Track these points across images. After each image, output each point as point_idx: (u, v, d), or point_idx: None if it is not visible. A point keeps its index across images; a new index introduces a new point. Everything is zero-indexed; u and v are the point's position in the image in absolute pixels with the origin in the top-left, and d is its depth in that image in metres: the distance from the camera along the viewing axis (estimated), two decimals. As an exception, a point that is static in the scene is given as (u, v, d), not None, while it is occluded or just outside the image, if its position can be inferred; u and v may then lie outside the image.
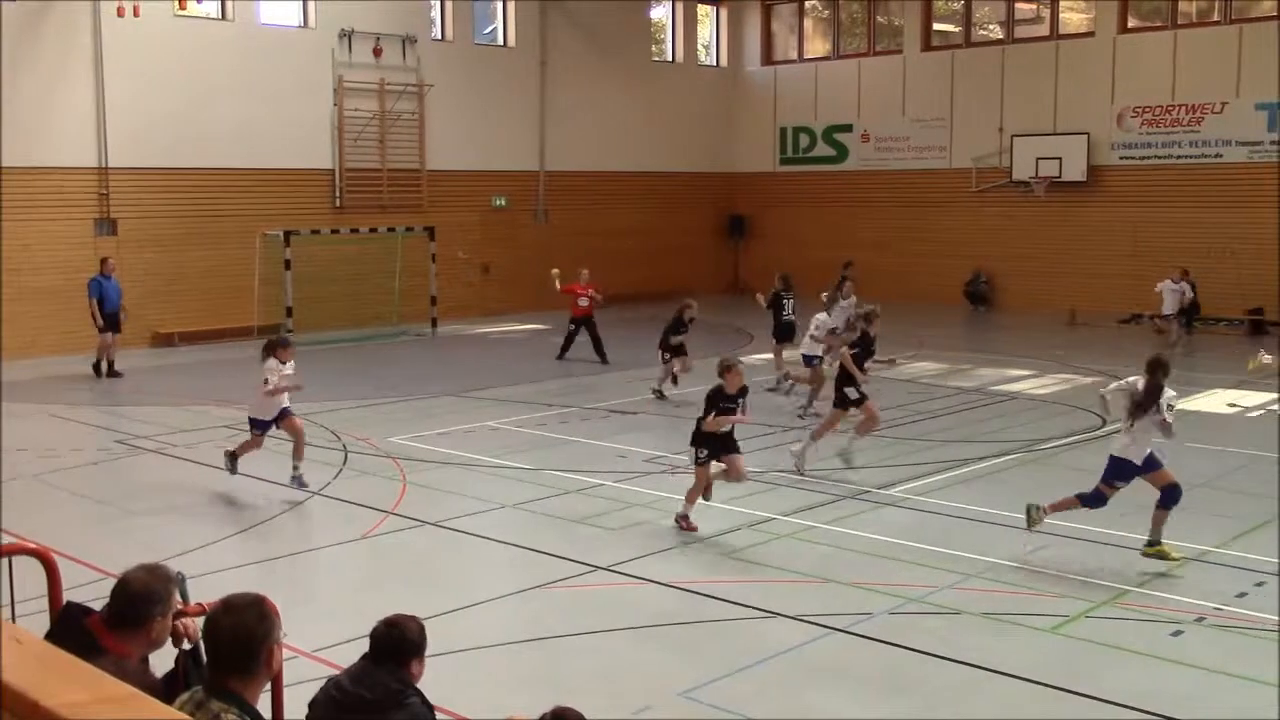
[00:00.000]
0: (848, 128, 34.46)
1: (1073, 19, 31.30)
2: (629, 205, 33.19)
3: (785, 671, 7.87)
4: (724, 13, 36.48)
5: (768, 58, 36.39)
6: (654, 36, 35.17)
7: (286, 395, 12.39)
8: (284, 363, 12.28)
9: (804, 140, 35.51)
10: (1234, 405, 17.57)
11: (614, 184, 32.93)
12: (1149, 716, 7.12)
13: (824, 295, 18.83)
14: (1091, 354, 22.22)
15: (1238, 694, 7.48)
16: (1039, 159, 30.21)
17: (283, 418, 12.41)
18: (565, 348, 21.66)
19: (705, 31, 36.65)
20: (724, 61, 36.63)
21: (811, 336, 16.84)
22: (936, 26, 33.49)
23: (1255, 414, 17.11)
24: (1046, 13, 31.44)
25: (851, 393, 13.49)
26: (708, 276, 35.48)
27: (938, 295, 31.04)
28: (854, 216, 33.71)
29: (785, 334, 19.20)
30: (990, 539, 10.75)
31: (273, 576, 9.76)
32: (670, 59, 35.36)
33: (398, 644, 4.67)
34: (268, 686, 3.92)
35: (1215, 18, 28.68)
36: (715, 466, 11.15)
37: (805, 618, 8.72)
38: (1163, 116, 28.92)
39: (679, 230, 34.56)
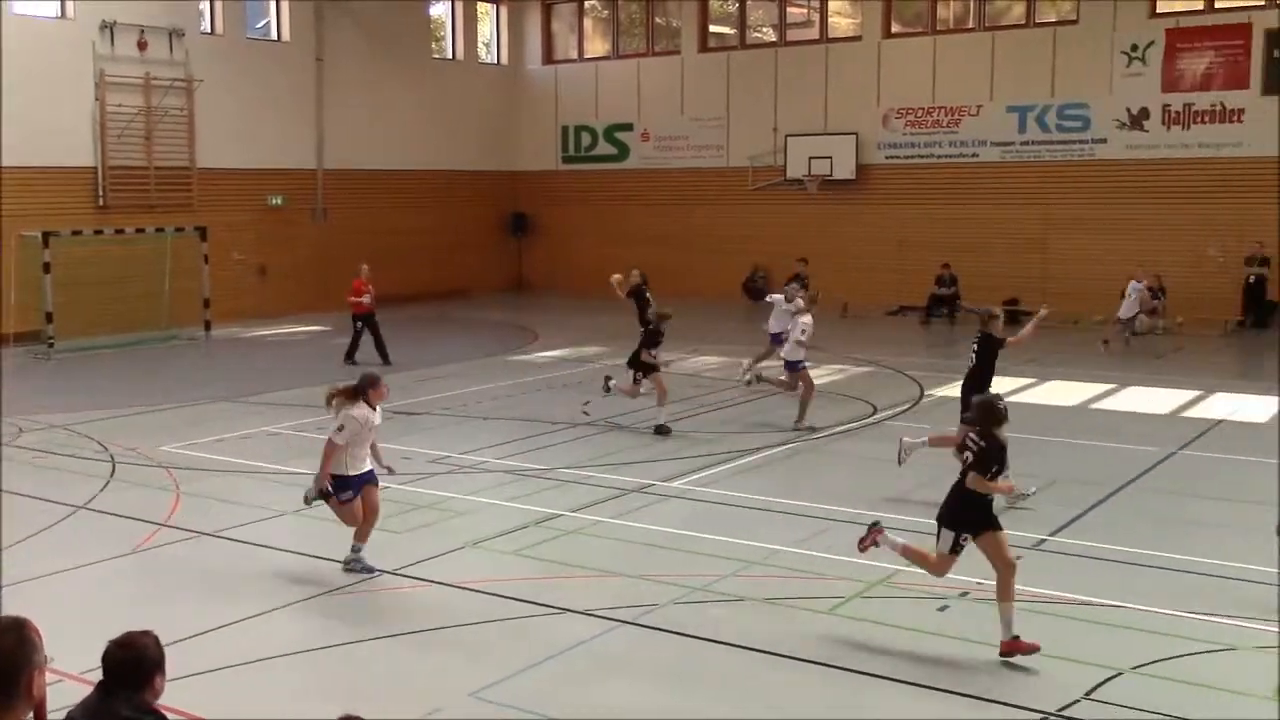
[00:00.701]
0: (628, 127, 34.91)
1: (841, 23, 32.52)
2: (411, 204, 32.78)
3: (576, 666, 7.95)
4: (504, 11, 36.41)
5: (548, 57, 36.51)
6: (434, 34, 34.83)
7: (371, 458, 9.87)
8: (374, 408, 9.78)
9: (585, 139, 35.79)
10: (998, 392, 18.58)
11: (396, 182, 32.47)
12: (918, 688, 7.50)
13: (798, 297, 16.63)
14: (862, 345, 23.15)
15: (988, 657, 7.94)
16: (811, 158, 31.29)
17: (366, 482, 9.80)
18: (353, 349, 21.21)
19: (486, 29, 36.50)
20: (505, 60, 36.57)
21: (798, 342, 15.66)
22: (713, 28, 34.26)
23: (1018, 399, 18.13)
24: (816, 17, 32.56)
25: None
26: (492, 274, 35.41)
27: (717, 291, 31.77)
28: (635, 214, 34.21)
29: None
30: (770, 527, 11.09)
31: (37, 597, 9.26)
32: (451, 56, 35.08)
33: (136, 663, 4.35)
34: (30, 714, 3.72)
35: (971, 24, 30.28)
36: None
37: (594, 612, 8.83)
38: (924, 118, 30.37)
39: (462, 228, 34.36)
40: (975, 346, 12.78)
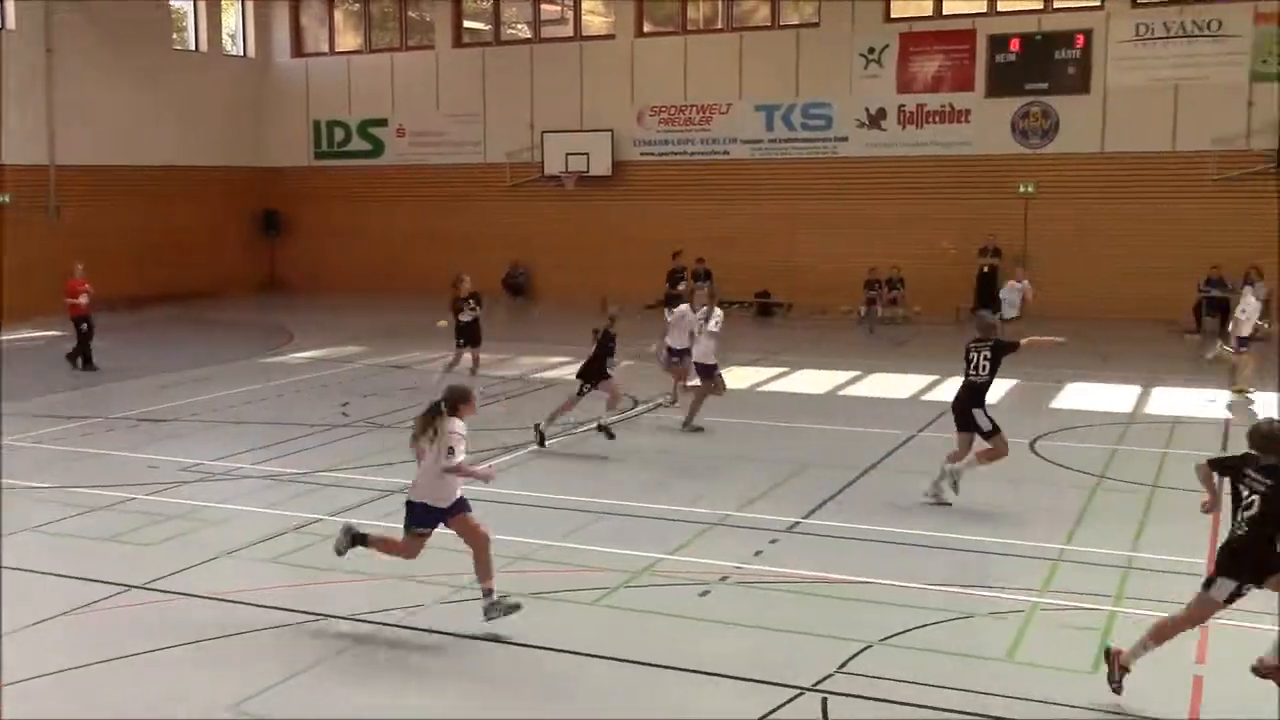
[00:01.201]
0: (383, 122, 34.32)
1: (594, 21, 32.85)
2: (155, 201, 31.30)
3: (337, 673, 7.79)
4: (249, 2, 35.17)
5: (298, 50, 35.50)
6: (175, 25, 33.33)
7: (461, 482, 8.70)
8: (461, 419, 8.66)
9: (339, 134, 34.99)
10: (754, 382, 19.20)
11: (137, 179, 30.92)
12: (684, 673, 7.69)
13: (698, 300, 15.94)
14: (623, 340, 23.40)
15: (751, 639, 8.22)
16: (568, 154, 31.51)
17: (457, 511, 8.64)
18: (80, 352, 20.09)
19: (230, 21, 35.16)
20: (252, 52, 35.33)
21: (711, 333, 15.24)
22: (467, 24, 34.04)
23: (771, 387, 18.79)
24: (570, 15, 32.80)
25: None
26: (244, 274, 34.19)
27: (477, 287, 31.47)
28: (393, 211, 33.69)
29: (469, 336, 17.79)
30: (535, 521, 11.14)
31: None
32: (194, 48, 33.65)
33: None
34: None
35: (720, 25, 31.11)
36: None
37: (358, 616, 8.67)
38: (677, 116, 31.04)
39: (211, 227, 33.03)
40: (988, 354, 11.56)
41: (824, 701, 7.20)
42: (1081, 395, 17.83)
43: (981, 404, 11.60)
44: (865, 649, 7.98)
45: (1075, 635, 8.25)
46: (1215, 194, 26.00)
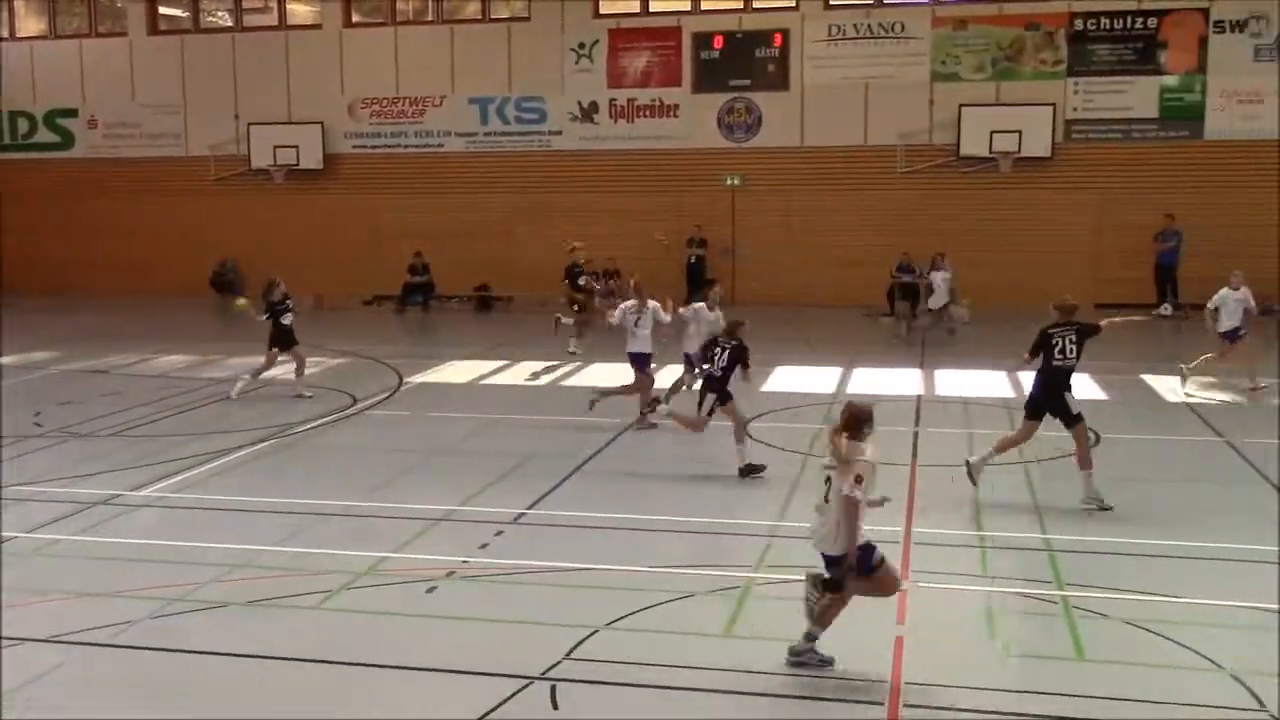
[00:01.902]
0: (73, 112, 32.29)
1: (300, 10, 31.88)
2: None
3: (45, 699, 7.33)
4: (-88, -20, 32.36)
5: (-29, 34, 32.92)
6: None
7: None
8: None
9: (23, 125, 32.72)
10: (474, 376, 19.16)
11: None
12: (416, 671, 7.64)
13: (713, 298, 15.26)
14: (340, 336, 22.95)
15: (478, 633, 8.25)
16: (276, 147, 30.54)
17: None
18: None
19: (-111, 0, 32.22)
20: (-83, 35, 32.53)
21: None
22: (163, 10, 32.39)
23: (492, 380, 18.81)
24: (274, 3, 31.71)
25: None
26: (-84, 277, 31.45)
27: (185, 286, 30.18)
28: (89, 206, 31.74)
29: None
30: (252, 527, 10.79)
31: None
32: None
33: None
34: None
35: (430, 17, 30.81)
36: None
37: (62, 638, 8.17)
38: (390, 108, 30.59)
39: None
40: (1073, 338, 11.29)
41: (553, 689, 7.31)
42: (789, 378, 18.68)
43: (1070, 388, 11.38)
44: (592, 634, 8.14)
45: (788, 606, 8.65)
46: (904, 185, 27.79)
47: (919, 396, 17.11)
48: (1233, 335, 17.23)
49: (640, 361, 15.14)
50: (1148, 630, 8.15)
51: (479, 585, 9.30)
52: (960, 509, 11.23)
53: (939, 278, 23.72)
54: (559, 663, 7.68)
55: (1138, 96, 26.92)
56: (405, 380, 18.33)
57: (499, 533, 10.57)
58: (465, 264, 28.96)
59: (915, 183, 27.77)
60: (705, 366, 12.69)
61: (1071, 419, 11.32)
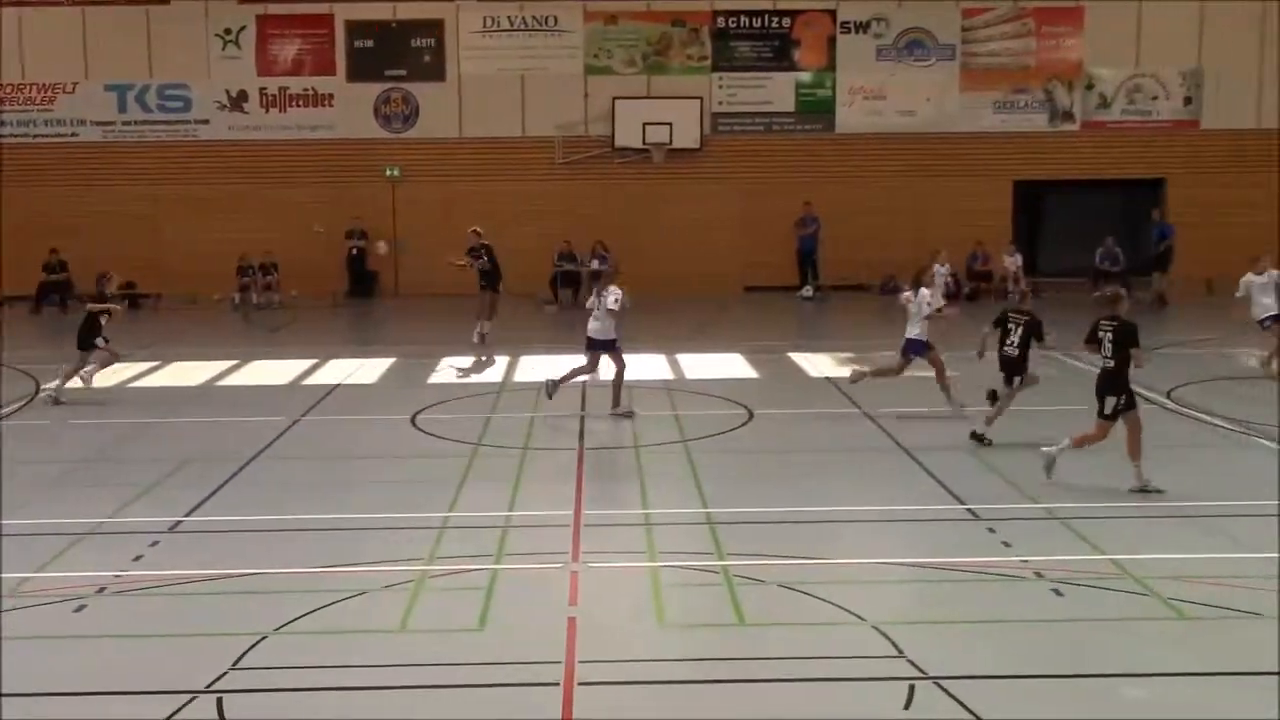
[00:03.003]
0: None
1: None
2: None
3: None
4: None
5: None
6: None
7: None
8: None
9: None
10: (122, 379, 18.05)
11: None
12: (53, 698, 7.15)
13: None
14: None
15: (135, 649, 7.82)
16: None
17: None
18: None
19: None
20: None
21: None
22: None
23: (142, 383, 17.76)
24: None
25: None
26: None
27: None
28: None
29: None
30: None
31: None
32: None
33: None
34: None
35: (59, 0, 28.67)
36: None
37: None
38: (16, 95, 28.29)
39: None
40: (1111, 335, 11.10)
41: (219, 701, 7.02)
42: (455, 369, 18.66)
43: (1124, 382, 11.25)
44: (260, 641, 7.87)
45: (462, 597, 8.70)
46: (563, 176, 28.30)
47: (584, 382, 17.48)
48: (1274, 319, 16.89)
49: (604, 347, 15.00)
50: (799, 591, 8.70)
51: (134, 600, 8.79)
52: (627, 490, 11.60)
53: (598, 266, 24.32)
54: (225, 674, 7.38)
55: (776, 92, 28.52)
56: (43, 386, 17.03)
57: (154, 543, 10.03)
58: (105, 261, 26.95)
59: (574, 173, 28.34)
60: (1004, 348, 13.28)
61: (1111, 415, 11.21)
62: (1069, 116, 28.67)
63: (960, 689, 7.05)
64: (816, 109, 28.57)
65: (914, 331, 14.69)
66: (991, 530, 10.15)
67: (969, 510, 10.73)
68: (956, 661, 7.44)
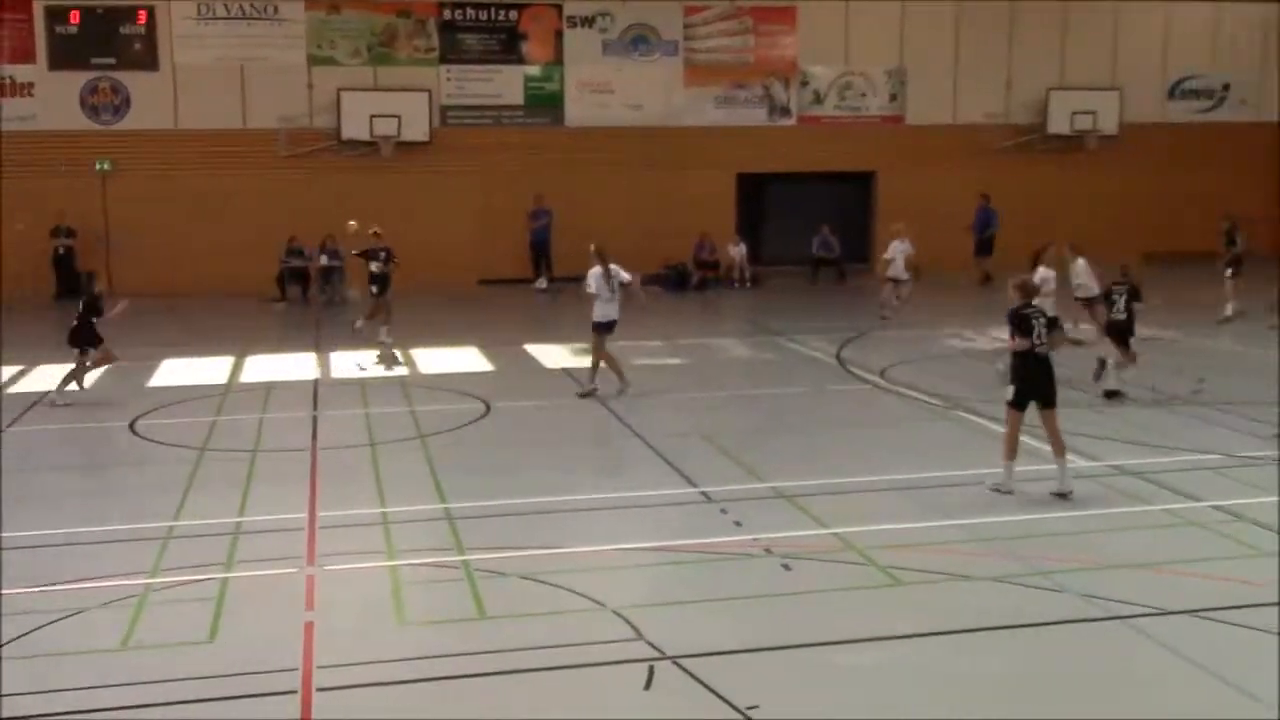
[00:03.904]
0: None
1: None
2: None
3: None
4: None
5: None
6: None
7: None
8: None
9: None
10: None
11: None
12: None
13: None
14: None
15: None
16: None
17: None
18: None
19: None
20: None
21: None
22: None
23: None
24: None
25: None
26: None
27: None
28: None
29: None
30: None
31: None
32: None
33: None
34: None
35: None
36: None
37: None
38: None
39: None
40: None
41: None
42: (177, 372, 17.84)
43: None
44: (-35, 669, 7.34)
45: (190, 609, 8.35)
46: (288, 168, 27.41)
47: (316, 380, 17.06)
48: None
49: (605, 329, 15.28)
50: (540, 581, 8.77)
51: None
52: (363, 488, 11.39)
53: (325, 260, 23.85)
54: (-74, 708, 6.85)
55: (505, 85, 28.51)
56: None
57: None
58: None
59: (299, 166, 27.50)
60: (1113, 315, 14.75)
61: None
62: (786, 112, 29.87)
63: (698, 666, 7.28)
64: (545, 102, 28.73)
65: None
66: (724, 511, 10.50)
67: (702, 493, 11.07)
68: (694, 640, 7.68)
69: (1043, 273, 15.86)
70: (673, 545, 9.67)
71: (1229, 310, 21.19)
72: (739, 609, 8.37)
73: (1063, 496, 10.66)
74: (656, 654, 7.49)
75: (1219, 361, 17.08)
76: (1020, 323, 10.70)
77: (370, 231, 19.55)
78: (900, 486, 11.17)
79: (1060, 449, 10.81)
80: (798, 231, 28.91)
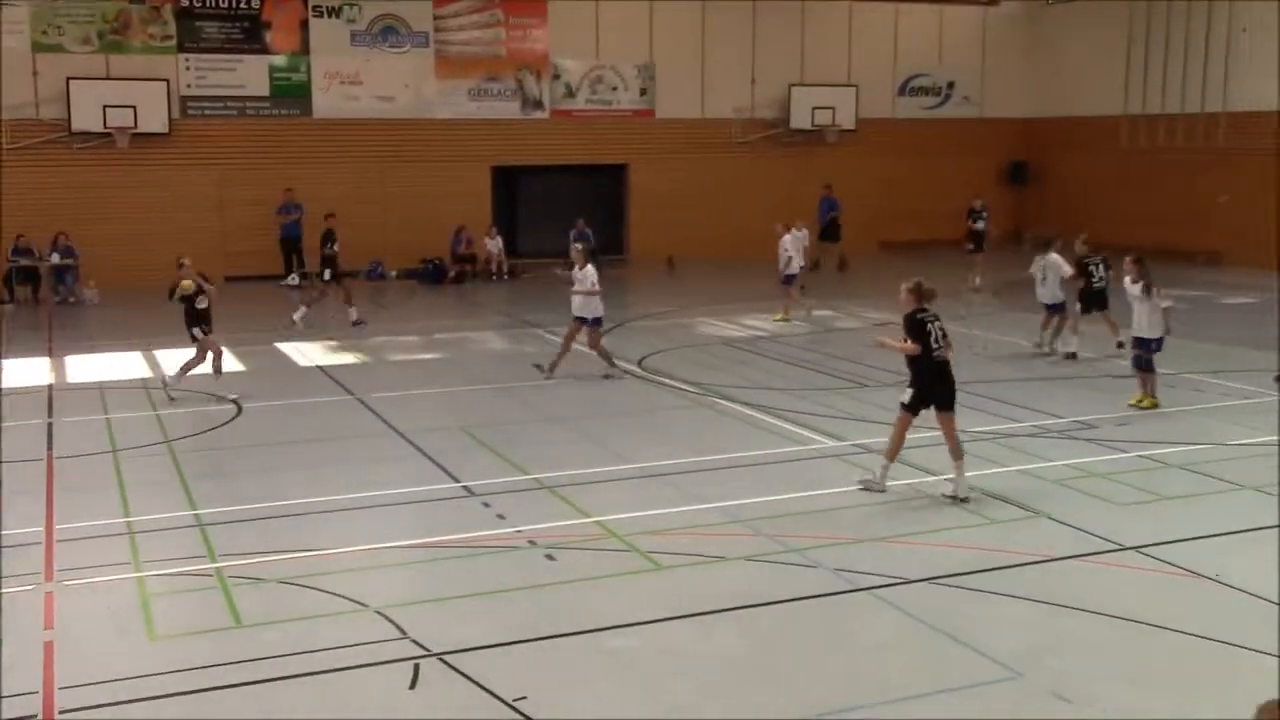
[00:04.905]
0: None
1: None
2: None
3: None
4: None
5: None
6: None
7: None
8: None
9: None
10: None
11: None
12: None
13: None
14: None
15: None
16: None
17: None
18: None
19: None
20: None
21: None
22: None
23: None
24: None
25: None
26: None
27: None
28: None
29: None
30: None
31: None
32: None
33: None
34: None
35: None
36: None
37: None
38: None
39: None
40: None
41: None
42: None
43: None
44: None
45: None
46: (12, 163, 25.62)
47: (50, 385, 16.10)
48: None
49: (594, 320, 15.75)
50: (299, 585, 8.57)
51: None
52: (105, 498, 10.83)
53: (57, 259, 22.58)
54: None
55: (249, 74, 27.52)
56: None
57: None
58: None
59: (25, 159, 25.77)
60: (1094, 284, 16.66)
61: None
62: (539, 105, 29.95)
63: (464, 661, 7.28)
64: (292, 93, 27.87)
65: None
66: (487, 504, 10.50)
67: (464, 487, 11.03)
68: (459, 635, 7.66)
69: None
70: (436, 541, 9.60)
71: (976, 281, 23.74)
72: (504, 601, 8.39)
73: (960, 501, 10.29)
74: (422, 652, 7.44)
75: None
76: (915, 327, 10.34)
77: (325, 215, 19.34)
78: (660, 473, 11.41)
79: (958, 454, 10.46)
80: (554, 224, 29.06)
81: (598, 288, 15.81)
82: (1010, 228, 31.74)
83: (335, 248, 20.33)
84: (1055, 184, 32.98)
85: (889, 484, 10.73)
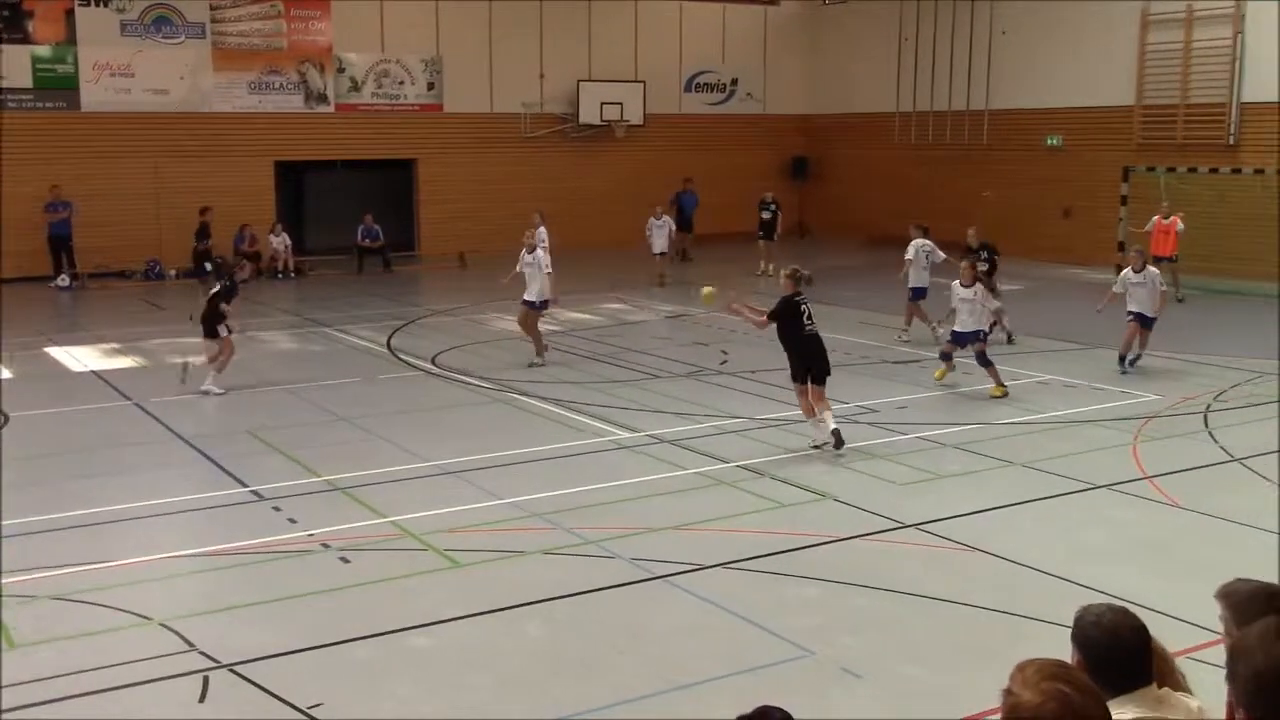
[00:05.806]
0: None
1: None
2: None
3: None
4: None
5: None
6: None
7: None
8: None
9: None
10: None
11: None
12: None
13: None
14: None
15: None
16: None
17: None
18: None
19: None
20: None
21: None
22: None
23: None
24: None
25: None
26: None
27: None
28: None
29: None
30: None
31: None
32: None
33: None
34: None
35: None
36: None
37: None
38: None
39: None
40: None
41: None
42: None
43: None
44: None
45: None
46: None
47: None
48: None
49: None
50: (76, 601, 8.17)
51: None
52: None
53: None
54: None
55: (10, 65, 25.92)
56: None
57: None
58: None
59: None
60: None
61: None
62: (323, 98, 29.24)
63: (256, 671, 7.09)
64: (58, 85, 26.41)
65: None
66: (277, 509, 10.24)
67: (253, 492, 10.73)
68: (250, 644, 7.46)
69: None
70: (223, 549, 9.31)
71: (769, 268, 24.77)
72: (298, 607, 8.21)
73: (819, 448, 11.95)
74: (211, 663, 7.21)
75: (739, 336, 18.56)
76: (792, 310, 11.94)
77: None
78: (456, 469, 11.34)
79: (823, 406, 11.96)
80: (341, 220, 28.45)
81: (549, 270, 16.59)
82: (794, 221, 32.70)
83: (210, 242, 19.68)
84: (834, 179, 34.15)
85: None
